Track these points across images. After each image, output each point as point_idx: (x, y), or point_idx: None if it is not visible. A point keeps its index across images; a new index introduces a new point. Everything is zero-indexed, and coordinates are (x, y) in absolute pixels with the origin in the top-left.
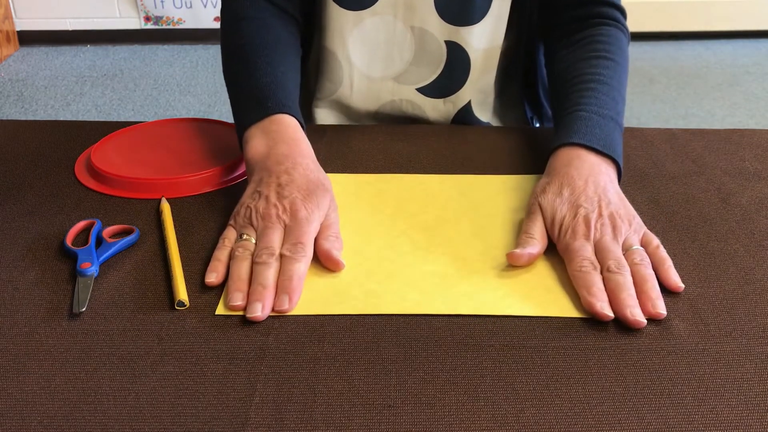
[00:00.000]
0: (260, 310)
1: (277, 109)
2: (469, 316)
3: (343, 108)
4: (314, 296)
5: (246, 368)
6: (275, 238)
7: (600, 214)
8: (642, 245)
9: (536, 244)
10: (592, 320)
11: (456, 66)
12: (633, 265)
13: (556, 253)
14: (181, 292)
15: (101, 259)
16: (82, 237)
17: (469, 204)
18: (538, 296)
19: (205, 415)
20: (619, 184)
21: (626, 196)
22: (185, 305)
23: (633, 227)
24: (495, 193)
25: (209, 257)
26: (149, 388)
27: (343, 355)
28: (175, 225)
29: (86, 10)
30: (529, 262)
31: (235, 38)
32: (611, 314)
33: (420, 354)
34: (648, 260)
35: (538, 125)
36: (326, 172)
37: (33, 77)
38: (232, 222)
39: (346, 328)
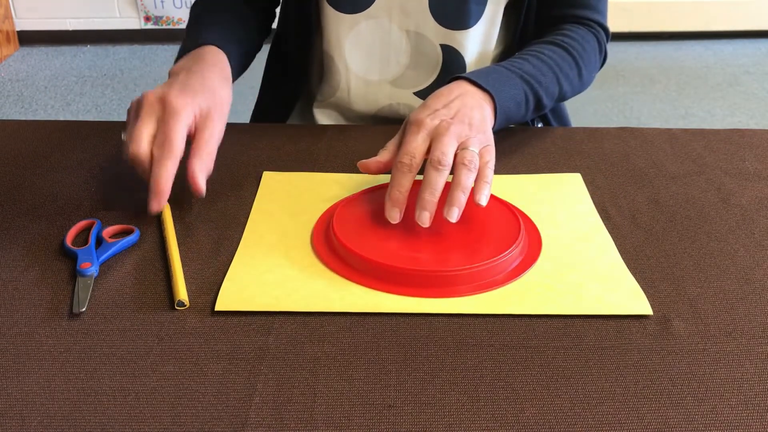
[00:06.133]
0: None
1: (202, 42)
2: (469, 315)
3: (343, 111)
4: (315, 293)
5: (246, 368)
6: (143, 130)
7: (451, 114)
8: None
9: (386, 154)
10: (592, 320)
11: (452, 70)
12: (458, 164)
13: (556, 251)
14: (181, 292)
15: (101, 259)
16: (82, 237)
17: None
18: (537, 295)
19: (205, 415)
20: (493, 129)
21: (626, 196)
22: (185, 305)
23: (479, 135)
24: (494, 193)
25: (209, 257)
26: (149, 388)
27: (343, 355)
28: (175, 225)
29: (86, 10)
30: (378, 170)
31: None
32: (396, 220)
33: (420, 354)
34: (476, 165)
35: (540, 125)
36: (326, 172)
37: (33, 77)
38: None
39: (346, 328)
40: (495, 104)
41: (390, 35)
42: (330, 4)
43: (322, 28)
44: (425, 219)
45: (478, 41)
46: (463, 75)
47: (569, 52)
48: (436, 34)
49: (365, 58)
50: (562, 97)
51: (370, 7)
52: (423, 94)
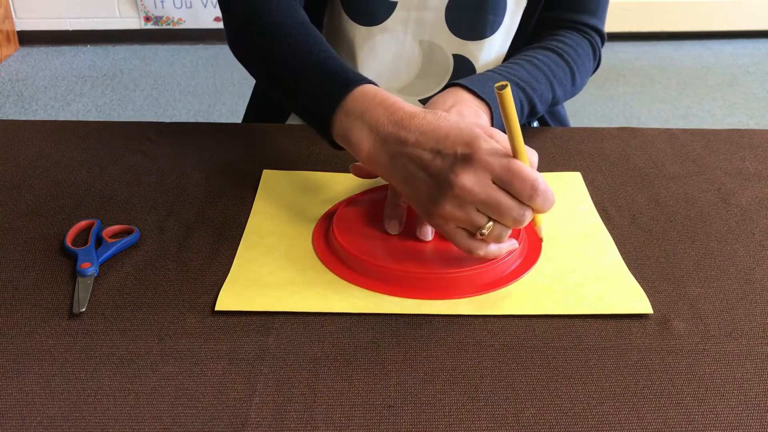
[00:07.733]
0: None
1: (354, 84)
2: (469, 316)
3: None
4: (315, 294)
5: (246, 368)
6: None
7: None
8: None
9: None
10: (592, 320)
11: (460, 76)
12: None
13: (556, 251)
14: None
15: (101, 259)
16: (82, 237)
17: None
18: (538, 295)
19: (205, 416)
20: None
21: (626, 196)
22: None
23: None
24: None
25: (209, 257)
26: (149, 388)
27: (343, 355)
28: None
29: (86, 10)
30: (368, 176)
31: (260, 22)
32: (396, 231)
33: (420, 354)
34: None
35: (536, 124)
36: (326, 171)
37: (33, 77)
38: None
39: (346, 328)
40: (491, 112)
41: (404, 47)
42: (348, 16)
43: (334, 36)
44: (426, 233)
45: (492, 50)
46: (459, 82)
47: (563, 57)
48: (450, 45)
49: (376, 69)
50: (555, 102)
51: (387, 21)
52: (428, 101)
